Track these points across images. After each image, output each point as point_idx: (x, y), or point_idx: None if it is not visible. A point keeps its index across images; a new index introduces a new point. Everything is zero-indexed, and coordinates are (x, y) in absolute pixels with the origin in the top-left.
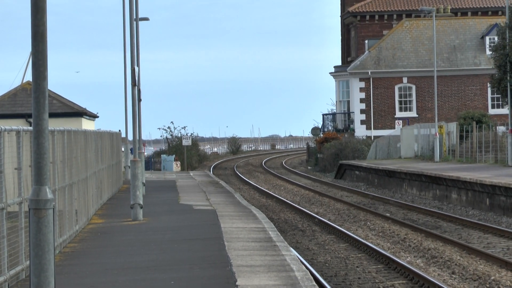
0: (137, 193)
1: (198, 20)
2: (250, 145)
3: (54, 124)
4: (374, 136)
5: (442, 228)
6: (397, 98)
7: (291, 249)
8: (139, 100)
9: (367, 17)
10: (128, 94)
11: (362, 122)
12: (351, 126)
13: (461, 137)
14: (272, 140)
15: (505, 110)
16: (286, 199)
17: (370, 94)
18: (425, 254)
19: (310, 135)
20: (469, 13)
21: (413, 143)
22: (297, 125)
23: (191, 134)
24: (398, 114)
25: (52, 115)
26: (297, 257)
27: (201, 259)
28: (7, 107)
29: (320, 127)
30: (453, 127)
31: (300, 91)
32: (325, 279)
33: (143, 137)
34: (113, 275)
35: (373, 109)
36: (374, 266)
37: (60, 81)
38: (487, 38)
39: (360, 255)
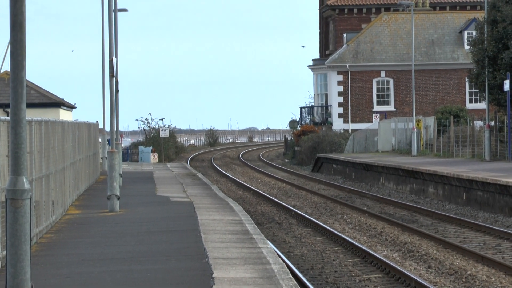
0: (114, 184)
1: (175, 12)
2: (228, 138)
3: (32, 114)
4: (351, 130)
5: (418, 222)
6: (375, 92)
7: (268, 241)
8: (117, 91)
9: (346, 11)
10: (106, 85)
11: (340, 115)
12: (329, 119)
13: (438, 132)
14: (250, 132)
15: (482, 105)
16: (263, 192)
17: (348, 87)
18: (402, 248)
19: (288, 128)
20: (448, 8)
21: (391, 137)
22: (274, 117)
23: (169, 125)
24: (376, 107)
25: (30, 105)
26: (274, 249)
27: (178, 251)
28: None
29: (297, 120)
30: (430, 121)
31: (278, 84)
32: (301, 272)
33: (121, 128)
34: (90, 266)
35: (351, 102)
36: (350, 260)
37: (38, 71)
38: (465, 33)
39: (336, 248)
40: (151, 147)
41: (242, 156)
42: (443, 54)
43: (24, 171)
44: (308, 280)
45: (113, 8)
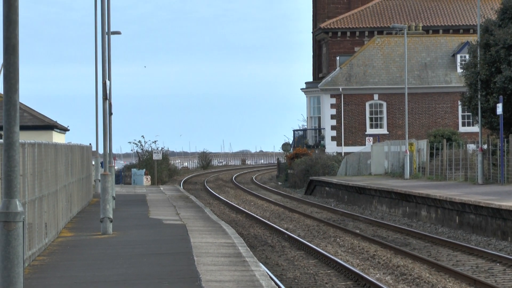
0: (107, 207)
1: (168, 34)
2: (221, 160)
3: (25, 137)
4: (344, 153)
5: (411, 245)
6: (367, 115)
7: (261, 264)
8: (110, 113)
9: (339, 34)
10: (99, 107)
11: (333, 138)
12: (322, 142)
13: (431, 155)
14: (243, 155)
15: (475, 128)
16: (256, 215)
17: (341, 110)
18: (394, 271)
19: (281, 151)
20: (441, 31)
21: (383, 160)
22: (268, 140)
23: (162, 148)
24: (369, 131)
25: (23, 127)
26: (267, 272)
27: (170, 273)
28: None
29: (290, 143)
30: (423, 144)
31: (271, 107)
32: None
33: (114, 151)
34: None
35: (343, 125)
36: (343, 283)
37: (31, 93)
38: (458, 56)
39: (329, 271)
40: (144, 170)
41: (235, 178)
42: (436, 77)
43: (17, 193)
44: None
45: (106, 31)
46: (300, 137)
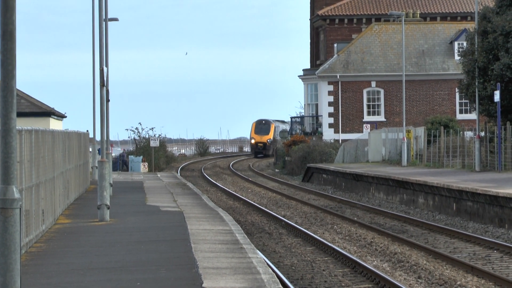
0: (104, 194)
1: (166, 21)
2: (218, 147)
3: (22, 124)
4: (342, 140)
5: (408, 232)
6: (365, 102)
7: (258, 251)
8: (107, 100)
9: (337, 21)
10: (96, 94)
11: (330, 125)
12: (319, 129)
13: (428, 142)
14: (240, 142)
15: (472, 116)
16: (253, 202)
17: (339, 97)
18: (392, 258)
19: (279, 138)
20: (438, 18)
21: (381, 147)
22: None
23: (159, 135)
24: (366, 118)
25: (20, 114)
26: (264, 259)
27: (168, 260)
28: None
29: (288, 130)
30: (420, 131)
31: (268, 94)
32: (291, 282)
33: (111, 138)
34: (79, 276)
35: (341, 112)
36: (340, 270)
37: (28, 80)
38: (455, 43)
39: (326, 258)
40: (141, 157)
41: (232, 166)
42: (434, 64)
43: (14, 180)
44: None
45: (104, 17)
46: (297, 124)
